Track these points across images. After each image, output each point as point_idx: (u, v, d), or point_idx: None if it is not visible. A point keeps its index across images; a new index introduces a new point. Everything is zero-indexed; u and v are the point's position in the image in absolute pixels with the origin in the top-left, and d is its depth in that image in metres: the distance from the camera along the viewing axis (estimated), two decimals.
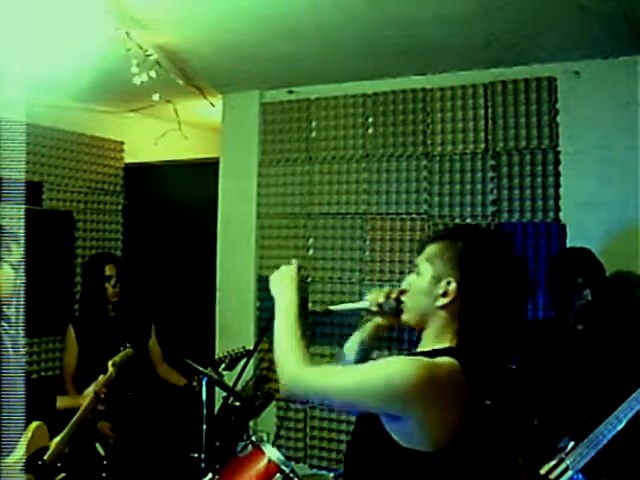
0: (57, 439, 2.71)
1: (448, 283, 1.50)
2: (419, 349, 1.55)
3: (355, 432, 1.62)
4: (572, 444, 2.46)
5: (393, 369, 1.39)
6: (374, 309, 1.68)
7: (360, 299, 1.78)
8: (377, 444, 1.45)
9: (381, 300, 1.65)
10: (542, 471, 2.49)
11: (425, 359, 1.43)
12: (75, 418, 2.80)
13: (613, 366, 2.57)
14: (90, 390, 2.94)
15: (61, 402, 2.98)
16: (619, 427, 2.33)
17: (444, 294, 1.50)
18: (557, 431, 2.54)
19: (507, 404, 2.52)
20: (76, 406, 2.86)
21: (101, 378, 2.97)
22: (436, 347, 1.50)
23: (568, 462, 2.44)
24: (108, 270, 3.59)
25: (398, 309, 1.63)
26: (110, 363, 3.02)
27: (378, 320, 1.77)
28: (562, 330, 2.76)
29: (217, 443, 3.18)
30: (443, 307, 1.50)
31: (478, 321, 1.51)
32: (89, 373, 3.13)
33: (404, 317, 1.60)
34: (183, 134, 4.26)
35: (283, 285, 1.68)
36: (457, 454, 1.42)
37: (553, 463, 2.48)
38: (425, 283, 1.54)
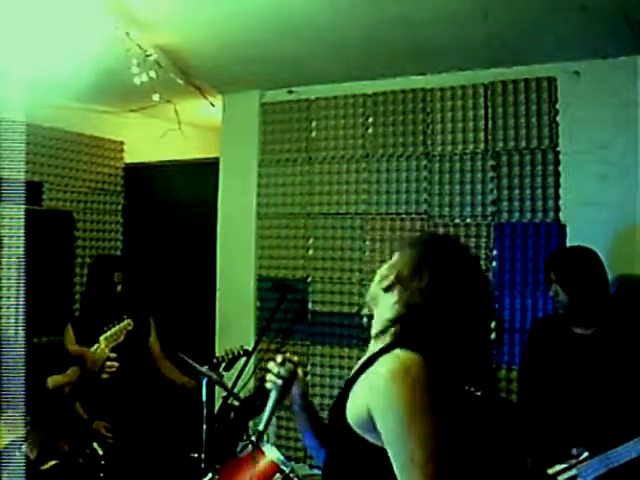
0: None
1: None
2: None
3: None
4: (586, 454, 2.43)
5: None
6: (279, 383, 1.62)
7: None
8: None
9: (276, 370, 1.61)
10: (550, 471, 2.47)
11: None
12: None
13: (622, 371, 2.53)
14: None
15: (52, 381, 2.91)
16: (636, 454, 2.29)
17: None
18: (568, 436, 2.51)
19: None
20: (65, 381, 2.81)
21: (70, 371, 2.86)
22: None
23: (578, 471, 2.42)
24: (116, 277, 3.54)
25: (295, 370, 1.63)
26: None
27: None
28: (565, 332, 2.72)
29: (217, 443, 3.18)
30: None
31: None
32: None
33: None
34: (183, 134, 4.26)
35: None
36: None
37: (563, 466, 2.45)
38: None
